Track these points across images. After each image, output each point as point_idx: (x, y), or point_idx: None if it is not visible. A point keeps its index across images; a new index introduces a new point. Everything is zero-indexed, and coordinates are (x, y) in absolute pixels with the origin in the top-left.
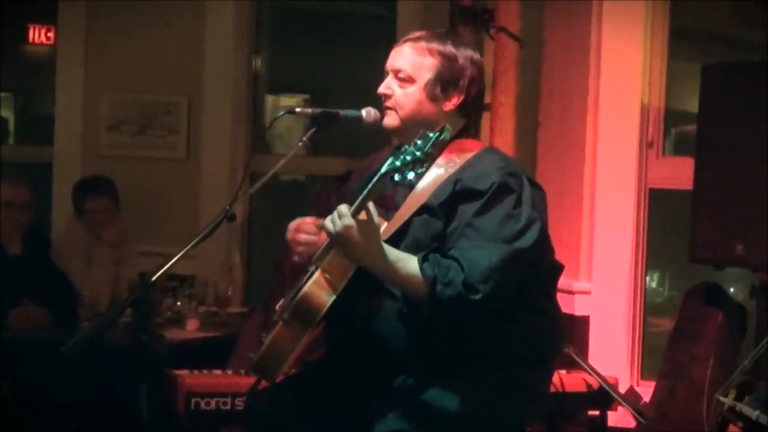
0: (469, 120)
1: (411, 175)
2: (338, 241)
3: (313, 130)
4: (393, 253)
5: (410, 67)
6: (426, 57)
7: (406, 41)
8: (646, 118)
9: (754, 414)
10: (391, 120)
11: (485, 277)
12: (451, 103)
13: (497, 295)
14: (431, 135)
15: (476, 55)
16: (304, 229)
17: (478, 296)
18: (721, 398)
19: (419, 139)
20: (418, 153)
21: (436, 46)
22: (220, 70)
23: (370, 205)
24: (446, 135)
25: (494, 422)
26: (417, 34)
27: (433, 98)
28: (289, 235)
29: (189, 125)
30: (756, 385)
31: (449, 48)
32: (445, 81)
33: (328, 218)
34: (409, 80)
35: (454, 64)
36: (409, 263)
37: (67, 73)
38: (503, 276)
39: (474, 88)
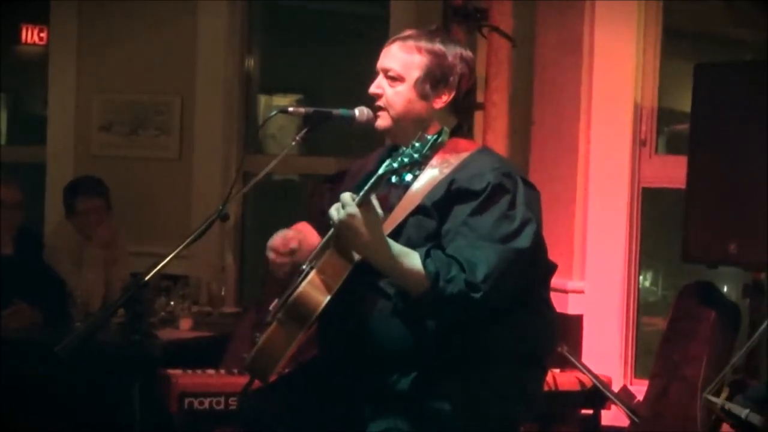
0: (461, 118)
1: (408, 177)
2: (342, 230)
3: (305, 129)
4: (396, 247)
5: (399, 66)
6: (415, 55)
7: (395, 40)
8: (639, 117)
9: (743, 413)
10: (383, 121)
11: (485, 277)
12: (442, 101)
13: (496, 294)
14: (429, 138)
15: (466, 52)
16: (284, 249)
17: (479, 294)
18: (710, 397)
19: (417, 141)
20: (416, 155)
21: (424, 44)
22: (212, 69)
23: (372, 199)
24: (444, 138)
25: (487, 422)
26: (406, 33)
27: (423, 96)
28: (271, 255)
29: (181, 125)
30: (748, 383)
31: (438, 45)
32: (434, 78)
33: (333, 206)
34: (398, 79)
35: (443, 61)
36: (411, 258)
37: (59, 73)
38: (502, 276)
39: (464, 85)
